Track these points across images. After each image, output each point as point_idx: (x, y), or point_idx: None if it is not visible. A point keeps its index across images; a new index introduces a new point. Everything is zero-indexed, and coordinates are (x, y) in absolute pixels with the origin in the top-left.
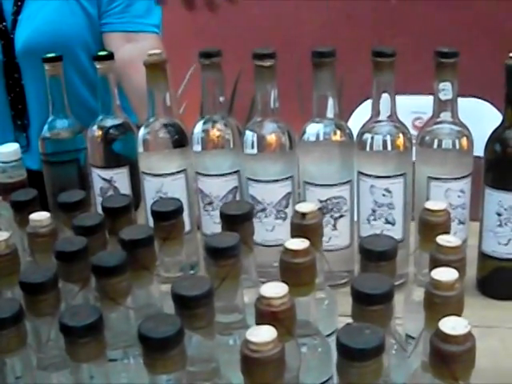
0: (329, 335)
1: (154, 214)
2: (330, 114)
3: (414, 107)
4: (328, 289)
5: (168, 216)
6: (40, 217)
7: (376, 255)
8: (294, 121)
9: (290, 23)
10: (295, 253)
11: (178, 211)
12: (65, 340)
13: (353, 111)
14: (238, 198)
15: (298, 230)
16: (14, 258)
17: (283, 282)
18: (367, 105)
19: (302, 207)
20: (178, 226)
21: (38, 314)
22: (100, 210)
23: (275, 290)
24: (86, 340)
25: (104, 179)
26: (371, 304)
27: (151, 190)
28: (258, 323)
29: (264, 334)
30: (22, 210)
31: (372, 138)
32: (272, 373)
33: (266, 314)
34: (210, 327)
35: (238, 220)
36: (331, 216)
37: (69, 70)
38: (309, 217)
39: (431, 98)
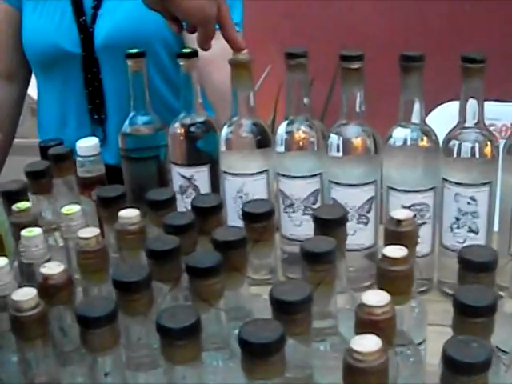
0: (419, 344)
1: (247, 215)
2: (415, 118)
3: (486, 114)
4: (419, 297)
5: (261, 218)
6: (130, 214)
7: (476, 266)
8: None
9: (361, 26)
10: (394, 260)
11: (270, 213)
12: (161, 341)
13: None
14: (319, 201)
15: (392, 237)
16: (104, 254)
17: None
18: (440, 110)
19: (398, 214)
20: (269, 228)
21: (130, 312)
22: (178, 208)
23: (377, 298)
24: (183, 342)
25: (184, 177)
26: (475, 316)
27: (232, 189)
28: (357, 331)
29: (369, 343)
30: (109, 206)
31: (459, 144)
32: (376, 383)
33: (367, 322)
34: (307, 333)
35: (331, 224)
36: None
37: (149, 66)
38: (404, 224)
39: (504, 105)
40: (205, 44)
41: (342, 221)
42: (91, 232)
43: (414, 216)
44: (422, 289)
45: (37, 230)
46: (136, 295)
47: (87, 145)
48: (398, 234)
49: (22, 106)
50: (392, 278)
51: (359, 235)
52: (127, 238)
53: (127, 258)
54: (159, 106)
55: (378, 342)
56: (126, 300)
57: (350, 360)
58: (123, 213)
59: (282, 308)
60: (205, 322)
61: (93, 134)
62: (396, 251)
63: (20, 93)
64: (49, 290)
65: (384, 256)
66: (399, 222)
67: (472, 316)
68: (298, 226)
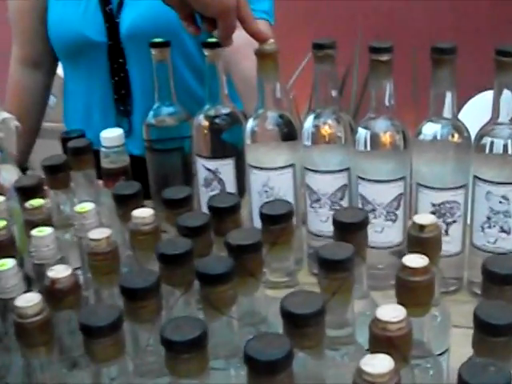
0: (440, 354)
1: (264, 216)
2: (447, 113)
3: None
4: (442, 304)
5: (278, 219)
6: (143, 214)
7: (501, 278)
8: (404, 118)
9: (398, 14)
10: (414, 271)
11: (289, 215)
12: (166, 354)
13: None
14: (346, 197)
15: (415, 243)
16: (115, 256)
17: (399, 300)
18: (476, 100)
19: (421, 219)
20: (287, 231)
21: (137, 320)
22: (202, 201)
23: (392, 313)
24: (188, 356)
25: (209, 170)
26: (496, 335)
27: (257, 183)
28: (372, 348)
29: (380, 363)
30: (124, 203)
31: (492, 141)
32: None
33: (381, 338)
34: (319, 346)
35: (352, 228)
36: (444, 221)
37: (175, 55)
38: (428, 229)
39: None
40: (226, 39)
41: (362, 224)
42: (102, 233)
43: (445, 214)
44: (451, 288)
45: (47, 230)
46: (143, 302)
47: (111, 135)
48: (420, 240)
49: (49, 93)
50: (412, 289)
51: (387, 232)
52: (140, 239)
53: (140, 258)
54: (185, 95)
55: (389, 362)
56: (133, 307)
57: (360, 381)
58: (136, 212)
59: (292, 321)
60: (216, 329)
61: (118, 125)
62: (416, 260)
63: (46, 80)
64: (56, 294)
65: (403, 265)
66: (422, 227)
67: (492, 335)
68: (325, 222)
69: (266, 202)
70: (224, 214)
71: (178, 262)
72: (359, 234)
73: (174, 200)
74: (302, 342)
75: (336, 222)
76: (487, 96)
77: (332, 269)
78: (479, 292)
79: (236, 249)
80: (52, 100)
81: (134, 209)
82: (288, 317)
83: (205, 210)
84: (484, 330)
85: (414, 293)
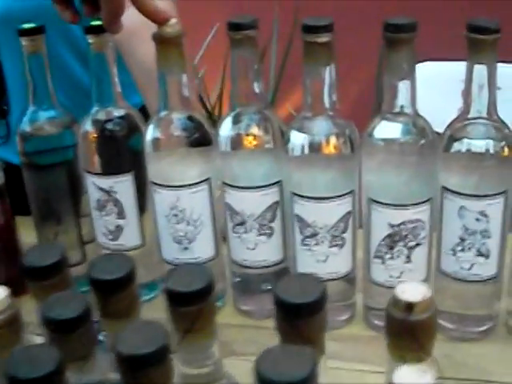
0: None
1: (171, 295)
2: (405, 108)
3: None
4: None
5: (193, 298)
6: None
7: None
8: None
9: None
10: None
11: (209, 289)
12: None
13: None
14: (278, 218)
15: (400, 330)
16: None
17: None
18: None
19: (408, 293)
20: (207, 311)
21: None
22: (97, 227)
23: None
24: None
25: (101, 189)
26: None
27: (163, 205)
28: None
29: None
30: None
31: (464, 142)
32: None
33: None
34: None
35: (303, 311)
36: (405, 245)
37: (57, 43)
38: (419, 309)
39: None
40: (113, 24)
41: (318, 304)
42: None
43: (406, 236)
44: None
45: None
46: None
47: None
48: (408, 325)
49: None
50: None
51: (333, 262)
52: None
53: None
54: (76, 92)
55: None
56: None
57: None
58: None
59: None
60: None
61: None
62: (414, 378)
63: None
64: None
65: None
66: (411, 306)
67: None
68: (252, 250)
69: (174, 270)
70: (113, 289)
71: None
72: (315, 317)
73: (37, 269)
74: None
75: (280, 303)
76: (426, 67)
77: None
78: (448, 325)
79: (131, 361)
80: None
81: None
82: None
83: (100, 237)
84: None
85: None
